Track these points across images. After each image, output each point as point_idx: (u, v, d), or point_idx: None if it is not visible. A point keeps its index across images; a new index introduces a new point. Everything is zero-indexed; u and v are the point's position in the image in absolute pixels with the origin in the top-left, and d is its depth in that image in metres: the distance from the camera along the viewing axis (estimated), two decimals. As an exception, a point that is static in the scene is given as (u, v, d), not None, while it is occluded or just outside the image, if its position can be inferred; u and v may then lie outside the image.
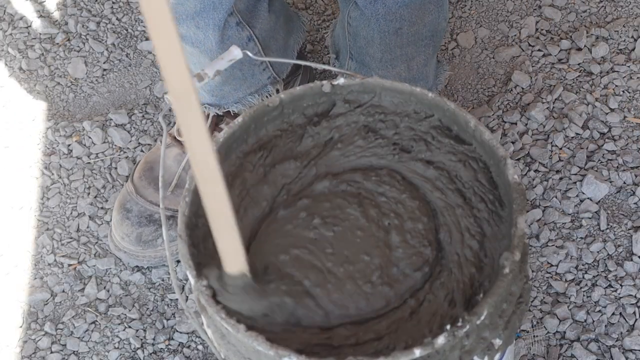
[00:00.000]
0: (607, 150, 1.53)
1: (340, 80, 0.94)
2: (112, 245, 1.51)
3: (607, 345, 1.37)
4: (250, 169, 0.95)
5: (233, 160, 0.95)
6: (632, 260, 1.43)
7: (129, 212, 1.48)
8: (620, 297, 1.41)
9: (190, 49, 1.38)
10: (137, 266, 1.51)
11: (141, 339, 1.45)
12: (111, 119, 1.65)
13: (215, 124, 1.50)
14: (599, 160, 1.52)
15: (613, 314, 1.39)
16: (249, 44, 1.40)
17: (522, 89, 1.62)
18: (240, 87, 1.44)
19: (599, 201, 1.49)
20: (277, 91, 1.49)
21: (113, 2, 1.79)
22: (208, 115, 1.49)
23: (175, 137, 1.51)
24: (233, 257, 0.82)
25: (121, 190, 1.52)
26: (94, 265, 1.51)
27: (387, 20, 1.36)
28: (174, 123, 1.53)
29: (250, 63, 1.42)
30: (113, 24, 1.77)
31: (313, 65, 1.02)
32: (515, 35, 1.69)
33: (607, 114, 1.57)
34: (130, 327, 1.46)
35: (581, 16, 1.70)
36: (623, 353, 1.37)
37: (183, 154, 1.50)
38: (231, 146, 0.94)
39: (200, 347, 1.44)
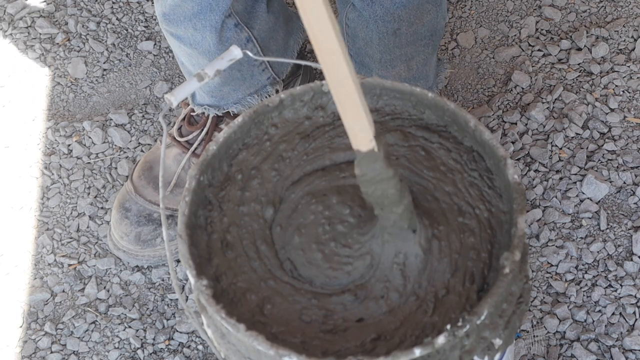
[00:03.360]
0: (607, 150, 1.53)
1: (341, 80, 0.94)
2: (111, 245, 1.51)
3: (607, 345, 1.37)
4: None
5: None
6: (632, 260, 1.43)
7: (127, 212, 1.48)
8: (620, 297, 1.41)
9: (188, 50, 1.38)
10: (137, 266, 1.51)
11: (141, 339, 1.45)
12: (111, 119, 1.65)
13: (215, 125, 1.50)
14: (599, 160, 1.52)
15: (613, 314, 1.39)
16: (248, 45, 1.40)
17: (522, 89, 1.62)
18: (239, 87, 1.44)
19: (599, 201, 1.49)
20: (277, 92, 1.50)
21: (113, 2, 1.79)
22: (208, 116, 1.49)
23: (174, 137, 1.51)
24: (363, 134, 0.80)
25: (120, 190, 1.53)
26: (94, 265, 1.52)
27: (385, 21, 1.36)
28: (174, 123, 1.53)
29: (249, 64, 1.42)
30: (113, 24, 1.77)
31: (313, 65, 1.02)
32: (515, 35, 1.69)
33: (607, 114, 1.57)
34: (130, 327, 1.46)
35: (581, 16, 1.70)
36: (623, 353, 1.37)
37: (182, 154, 1.50)
38: (231, 146, 0.94)
39: (200, 347, 1.44)
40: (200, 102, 1.47)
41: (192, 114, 1.51)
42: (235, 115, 1.49)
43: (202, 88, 1.44)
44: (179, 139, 1.51)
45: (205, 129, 1.50)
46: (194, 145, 1.49)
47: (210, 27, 1.34)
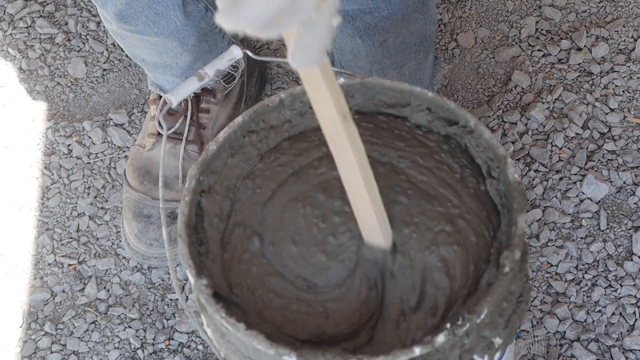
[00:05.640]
0: (607, 150, 1.53)
1: (340, 80, 0.94)
2: (138, 258, 1.48)
3: (607, 345, 1.37)
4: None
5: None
6: (632, 260, 1.43)
7: (150, 218, 1.47)
8: (620, 297, 1.41)
9: (153, 40, 1.37)
10: (137, 266, 1.51)
11: (141, 339, 1.45)
12: (111, 119, 1.65)
13: (196, 106, 1.49)
14: (599, 160, 1.52)
15: (613, 314, 1.39)
16: (207, 14, 1.39)
17: (522, 89, 1.62)
18: (208, 59, 1.42)
19: (599, 201, 1.49)
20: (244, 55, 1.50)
21: (113, 2, 1.80)
22: (187, 101, 1.48)
23: (159, 133, 1.50)
24: (382, 234, 0.84)
25: (127, 202, 1.50)
26: (94, 265, 1.51)
27: (369, 34, 1.34)
28: (155, 122, 1.51)
29: (213, 33, 1.42)
30: (113, 24, 1.77)
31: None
32: (515, 35, 1.69)
33: (607, 114, 1.57)
34: (130, 327, 1.46)
35: (581, 16, 1.70)
36: (623, 353, 1.37)
37: (175, 147, 1.48)
38: (232, 145, 0.94)
39: (200, 347, 1.44)
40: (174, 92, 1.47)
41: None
42: (211, 90, 1.50)
43: (172, 73, 1.44)
44: (160, 131, 1.49)
45: (189, 113, 1.48)
46: (185, 132, 1.48)
47: (173, 5, 1.33)
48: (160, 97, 1.51)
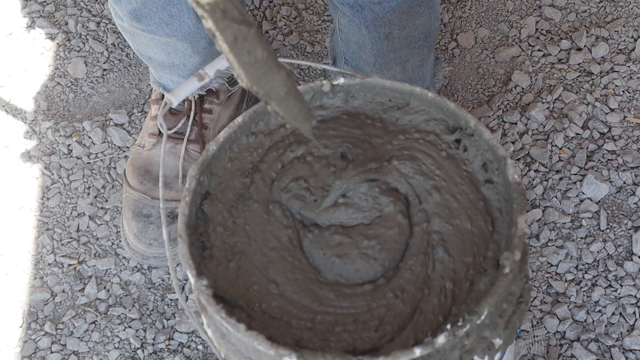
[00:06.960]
0: (607, 150, 1.53)
1: (340, 80, 0.94)
2: (137, 258, 1.48)
3: (607, 345, 1.37)
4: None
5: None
6: (632, 260, 1.43)
7: (150, 217, 1.47)
8: (620, 297, 1.41)
9: (164, 40, 1.37)
10: (137, 266, 1.51)
11: (141, 339, 1.45)
12: (111, 119, 1.65)
13: (200, 106, 1.49)
14: (599, 160, 1.52)
15: (613, 314, 1.39)
16: None
17: (522, 89, 1.62)
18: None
19: (599, 201, 1.49)
20: None
21: (113, 2, 1.80)
22: (191, 101, 1.49)
23: (160, 133, 1.50)
24: None
25: (126, 202, 1.50)
26: (94, 265, 1.51)
27: (376, 26, 1.35)
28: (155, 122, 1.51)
29: None
30: (113, 24, 1.77)
31: (313, 65, 1.02)
32: (515, 35, 1.69)
33: (607, 114, 1.57)
34: (130, 327, 1.46)
35: (581, 16, 1.70)
36: (623, 353, 1.37)
37: (176, 147, 1.48)
38: (232, 146, 0.94)
39: (200, 347, 1.44)
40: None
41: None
42: (215, 92, 1.50)
43: (179, 73, 1.44)
44: (162, 130, 1.49)
45: (192, 113, 1.49)
46: (187, 132, 1.48)
47: (188, 9, 1.34)
48: (162, 96, 1.52)
